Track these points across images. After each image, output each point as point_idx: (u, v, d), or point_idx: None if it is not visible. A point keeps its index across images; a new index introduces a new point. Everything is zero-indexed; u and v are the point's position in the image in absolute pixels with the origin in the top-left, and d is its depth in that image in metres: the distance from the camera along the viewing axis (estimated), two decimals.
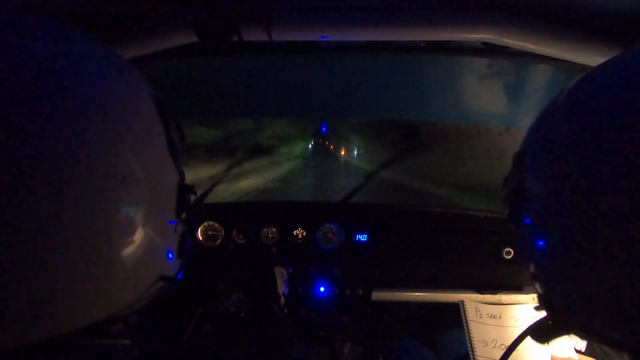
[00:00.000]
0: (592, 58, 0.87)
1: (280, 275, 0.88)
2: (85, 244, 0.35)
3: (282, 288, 0.87)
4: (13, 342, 0.34)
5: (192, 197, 0.53)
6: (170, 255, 0.47)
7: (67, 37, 0.40)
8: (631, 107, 0.33)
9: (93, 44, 0.42)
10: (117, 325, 0.45)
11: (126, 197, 0.38)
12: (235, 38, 0.88)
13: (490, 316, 0.92)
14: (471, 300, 0.99)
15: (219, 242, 1.25)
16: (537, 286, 0.46)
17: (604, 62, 0.42)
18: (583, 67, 0.92)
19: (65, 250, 0.34)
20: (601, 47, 0.86)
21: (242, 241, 1.26)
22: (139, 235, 0.40)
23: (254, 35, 0.89)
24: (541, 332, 0.44)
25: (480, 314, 0.93)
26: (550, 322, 0.43)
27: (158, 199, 0.43)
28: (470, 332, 0.89)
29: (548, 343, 0.45)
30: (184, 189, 0.49)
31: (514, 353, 0.74)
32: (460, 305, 0.94)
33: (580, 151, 0.35)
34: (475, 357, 0.84)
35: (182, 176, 0.49)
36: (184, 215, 0.49)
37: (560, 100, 0.43)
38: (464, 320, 0.91)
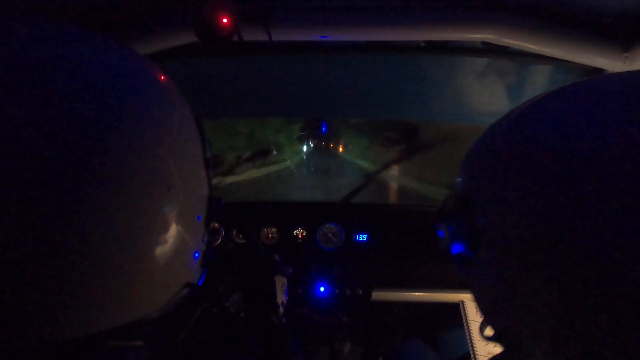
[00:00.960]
0: (592, 58, 0.87)
1: (281, 284, 0.87)
2: (130, 243, 0.37)
3: (281, 297, 0.86)
4: (52, 337, 0.35)
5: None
6: (196, 262, 0.49)
7: (118, 54, 0.42)
8: (558, 153, 0.32)
9: (143, 63, 0.44)
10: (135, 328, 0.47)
11: (169, 202, 0.41)
12: (235, 38, 0.88)
13: None
14: (471, 300, 0.99)
15: (219, 242, 1.25)
16: (490, 322, 0.44)
17: (544, 93, 0.40)
18: (583, 67, 0.93)
19: (111, 249, 0.36)
20: (601, 47, 0.86)
21: (242, 241, 1.26)
22: (175, 238, 0.42)
23: (254, 35, 0.89)
24: None
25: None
26: (505, 356, 0.43)
27: (193, 207, 0.46)
28: (471, 331, 0.89)
29: None
30: (213, 201, 0.51)
31: None
32: (461, 306, 0.94)
33: (536, 193, 0.33)
34: (476, 356, 0.84)
35: (211, 188, 0.52)
36: (212, 225, 0.52)
37: (503, 135, 0.40)
38: (464, 320, 0.91)
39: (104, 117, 0.36)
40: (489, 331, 0.46)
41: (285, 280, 0.90)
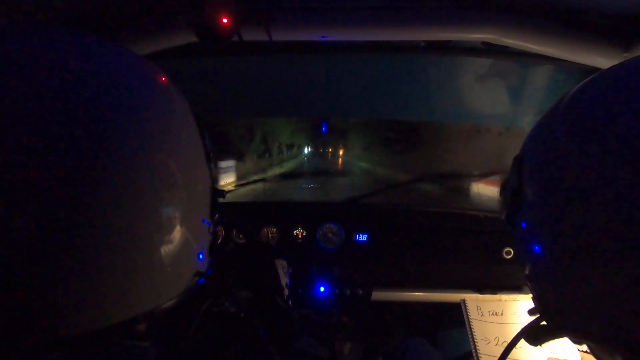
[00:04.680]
0: (592, 58, 0.87)
1: (282, 267, 0.88)
2: (138, 239, 0.38)
3: (284, 280, 0.87)
4: (63, 331, 0.36)
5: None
6: (203, 253, 0.51)
7: (109, 53, 0.43)
8: (627, 118, 0.33)
9: (135, 60, 0.45)
10: (142, 325, 0.47)
11: (173, 199, 0.42)
12: (235, 38, 0.88)
13: (492, 313, 0.93)
14: (472, 299, 0.99)
15: (219, 242, 1.25)
16: (532, 288, 0.47)
17: (604, 71, 0.43)
18: (583, 67, 0.92)
19: (120, 243, 0.37)
20: (601, 47, 0.86)
21: (242, 241, 1.26)
22: (181, 233, 0.43)
23: (254, 35, 0.89)
24: (535, 334, 0.45)
25: (482, 312, 0.93)
26: (543, 323, 0.44)
27: (197, 201, 0.48)
28: (473, 330, 0.89)
29: (541, 345, 0.46)
30: (216, 193, 0.53)
31: (514, 352, 0.75)
32: (462, 305, 0.94)
33: (577, 159, 0.36)
34: (478, 355, 0.84)
35: (214, 180, 0.53)
36: (216, 216, 0.54)
37: (560, 107, 0.43)
38: (465, 319, 0.91)
39: (101, 117, 0.37)
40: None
41: (285, 263, 0.91)
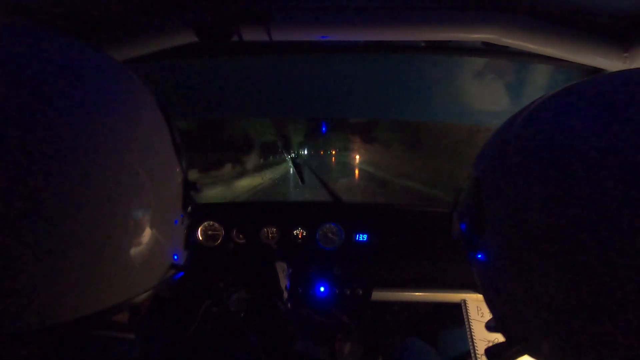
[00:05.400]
0: (592, 58, 0.87)
1: (282, 270, 0.88)
2: (102, 238, 0.38)
3: (284, 283, 0.87)
4: (33, 324, 0.36)
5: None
6: (177, 247, 0.51)
7: (63, 46, 0.41)
8: (577, 144, 0.33)
9: (90, 51, 0.44)
10: (123, 317, 0.48)
11: (138, 195, 0.41)
12: (235, 38, 0.88)
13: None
14: (472, 299, 0.99)
15: (219, 242, 1.25)
16: (493, 311, 0.47)
17: (557, 91, 0.42)
18: (583, 67, 0.93)
19: (85, 240, 0.37)
20: (601, 47, 0.86)
21: (242, 241, 1.26)
22: (149, 228, 0.43)
23: (254, 35, 0.89)
24: (497, 354, 0.45)
25: (482, 312, 0.93)
26: (507, 344, 0.44)
27: (166, 196, 0.47)
28: (472, 330, 0.89)
29: None
30: (188, 186, 0.52)
31: None
32: (462, 305, 0.94)
33: (534, 185, 0.35)
34: (477, 355, 0.84)
35: (185, 173, 0.52)
36: (189, 209, 0.53)
37: (514, 128, 0.42)
38: (465, 319, 0.91)
39: (58, 111, 0.35)
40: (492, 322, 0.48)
41: (285, 266, 0.91)
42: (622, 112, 0.33)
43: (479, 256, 0.45)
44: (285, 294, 0.84)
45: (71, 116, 0.36)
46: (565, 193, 0.33)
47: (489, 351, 0.46)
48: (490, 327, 0.49)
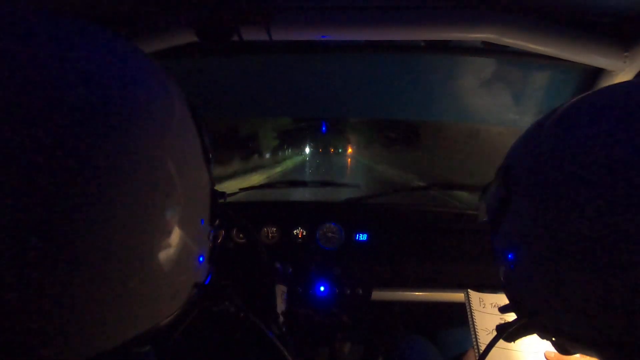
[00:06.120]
0: (592, 58, 0.87)
1: (281, 293, 0.87)
2: (131, 259, 0.34)
3: (281, 307, 0.85)
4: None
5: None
6: (203, 262, 0.46)
7: (107, 43, 0.38)
8: (619, 140, 0.35)
9: (136, 53, 0.40)
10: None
11: (169, 211, 0.37)
12: (235, 38, 0.88)
13: (494, 305, 0.94)
14: (475, 291, 1.00)
15: (219, 241, 1.25)
16: (507, 290, 0.52)
17: (600, 89, 0.44)
18: (583, 67, 0.92)
19: (113, 265, 0.33)
20: (601, 47, 0.86)
21: (242, 241, 1.26)
22: (180, 247, 0.39)
23: (254, 35, 0.89)
24: (511, 332, 0.49)
25: (484, 303, 0.94)
26: (520, 322, 0.48)
27: (196, 209, 0.43)
28: (474, 320, 0.90)
29: (515, 342, 0.51)
30: (216, 195, 0.49)
31: (508, 352, 0.77)
32: (465, 295, 0.95)
33: (566, 176, 0.39)
34: (479, 344, 0.85)
35: (212, 182, 0.49)
36: (217, 221, 0.49)
37: (551, 120, 0.45)
38: (468, 310, 0.92)
39: (90, 115, 0.31)
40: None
41: (285, 289, 0.89)
42: None
43: (501, 235, 0.49)
44: (281, 319, 0.82)
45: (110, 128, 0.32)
46: (594, 190, 0.35)
47: (500, 327, 0.50)
48: (502, 308, 0.53)
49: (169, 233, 0.37)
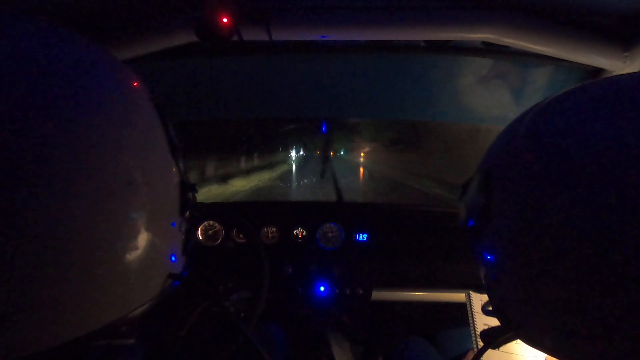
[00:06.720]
0: (592, 58, 0.87)
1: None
2: (95, 248, 0.35)
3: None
4: (28, 348, 0.33)
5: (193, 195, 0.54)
6: (175, 253, 0.47)
7: (65, 40, 0.39)
8: (590, 145, 0.34)
9: (90, 47, 0.41)
10: (124, 326, 0.45)
11: (132, 199, 0.38)
12: (235, 38, 0.88)
13: None
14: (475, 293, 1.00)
15: (219, 241, 1.25)
16: (490, 297, 0.49)
17: (569, 90, 0.43)
18: (583, 66, 0.93)
19: (75, 255, 0.33)
20: (601, 47, 0.86)
21: (242, 241, 1.26)
22: (146, 236, 0.40)
23: (254, 35, 0.89)
24: (493, 338, 0.47)
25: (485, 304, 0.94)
26: (507, 335, 0.46)
27: (162, 199, 0.44)
28: (475, 321, 0.90)
29: (498, 348, 0.49)
30: (186, 188, 0.49)
31: (514, 346, 0.75)
32: (466, 296, 0.95)
33: (543, 182, 0.37)
34: (479, 345, 0.85)
35: (182, 175, 0.50)
36: (187, 213, 0.50)
37: (524, 124, 0.44)
38: (469, 311, 0.92)
39: (45, 108, 0.32)
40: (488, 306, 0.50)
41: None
42: (633, 112, 0.34)
43: (483, 244, 0.47)
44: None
45: (59, 116, 0.33)
46: (572, 189, 0.34)
47: (484, 334, 0.48)
48: (487, 311, 0.50)
49: (133, 221, 0.38)
